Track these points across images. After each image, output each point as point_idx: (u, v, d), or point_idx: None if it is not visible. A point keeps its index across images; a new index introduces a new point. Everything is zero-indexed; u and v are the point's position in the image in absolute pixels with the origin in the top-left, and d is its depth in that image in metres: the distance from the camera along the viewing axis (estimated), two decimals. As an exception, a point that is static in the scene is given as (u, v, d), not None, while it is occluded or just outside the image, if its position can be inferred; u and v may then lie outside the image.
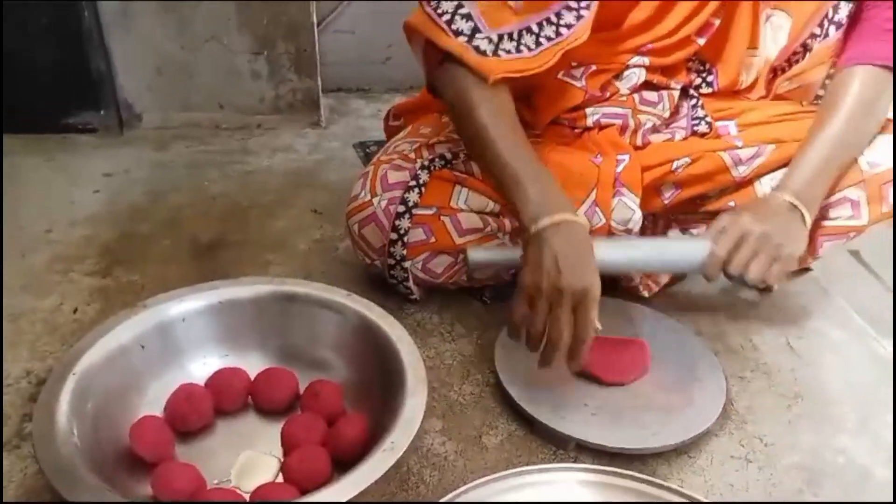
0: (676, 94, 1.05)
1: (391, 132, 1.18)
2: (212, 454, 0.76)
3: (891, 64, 0.93)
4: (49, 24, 1.46)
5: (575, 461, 0.80)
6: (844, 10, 0.95)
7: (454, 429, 0.84)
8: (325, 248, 1.20)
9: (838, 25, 0.96)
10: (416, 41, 0.92)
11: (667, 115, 1.04)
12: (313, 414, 0.77)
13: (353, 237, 0.98)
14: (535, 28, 0.87)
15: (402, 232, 0.93)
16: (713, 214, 1.08)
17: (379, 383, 0.79)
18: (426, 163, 0.96)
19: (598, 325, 0.77)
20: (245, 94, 1.65)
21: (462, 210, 0.94)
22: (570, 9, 0.87)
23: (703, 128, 1.03)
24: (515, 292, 0.79)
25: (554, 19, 0.87)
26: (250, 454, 0.75)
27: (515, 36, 0.86)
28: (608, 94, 1.01)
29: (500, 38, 0.86)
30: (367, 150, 1.57)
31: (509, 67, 0.85)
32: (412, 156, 0.98)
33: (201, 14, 1.54)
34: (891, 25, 0.93)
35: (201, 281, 0.88)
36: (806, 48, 1.00)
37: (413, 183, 0.94)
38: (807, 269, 1.15)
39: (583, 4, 0.87)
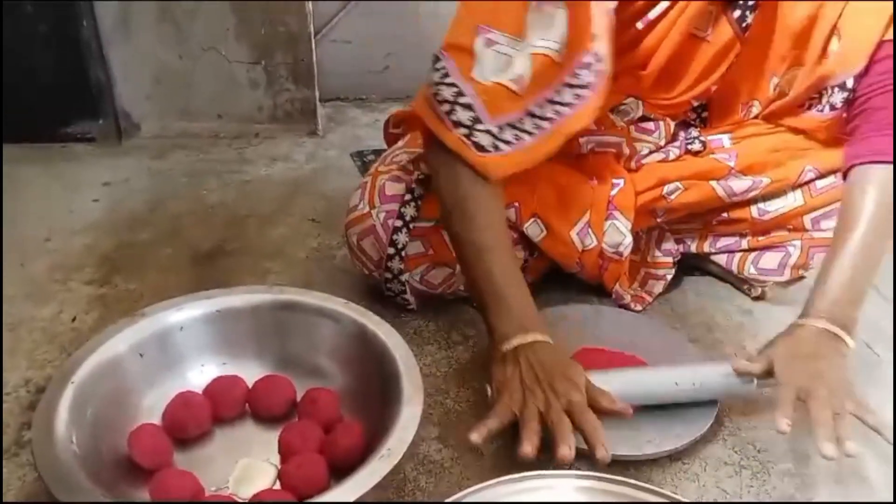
0: (673, 124, 1.05)
1: (391, 140, 1.18)
2: (210, 461, 0.76)
3: None
4: (48, 34, 1.47)
5: (570, 468, 0.81)
6: (839, 97, 0.92)
7: (450, 436, 0.85)
8: (322, 257, 1.20)
9: (832, 107, 0.93)
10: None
11: (663, 143, 1.04)
12: (310, 421, 0.78)
13: (351, 248, 0.99)
14: (536, 110, 0.82)
15: (399, 246, 0.94)
16: (706, 224, 1.09)
17: (376, 391, 0.79)
18: (423, 176, 0.96)
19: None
20: (243, 104, 1.66)
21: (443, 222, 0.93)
22: (569, 86, 0.81)
23: (696, 146, 1.04)
24: (492, 402, 0.75)
25: (555, 97, 0.81)
26: (248, 461, 0.76)
27: (517, 123, 0.81)
28: (602, 127, 1.02)
29: (501, 128, 0.81)
30: (365, 159, 1.58)
31: (510, 162, 0.82)
32: (410, 167, 0.98)
33: (199, 24, 1.56)
34: None
35: (200, 289, 0.88)
36: (802, 107, 0.98)
37: (409, 196, 0.94)
38: (801, 278, 1.16)
39: (582, 82, 0.81)
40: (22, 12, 1.44)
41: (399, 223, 0.93)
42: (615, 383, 0.80)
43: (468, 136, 0.81)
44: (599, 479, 0.70)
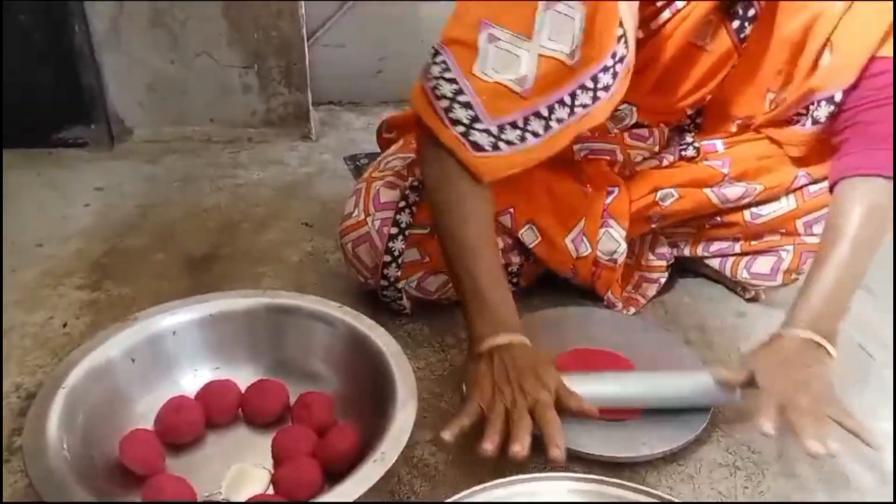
0: (667, 130, 1.05)
1: (384, 144, 1.18)
2: (203, 467, 0.76)
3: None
4: (40, 41, 1.47)
5: (565, 470, 0.81)
6: (824, 111, 0.91)
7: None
8: (316, 261, 1.20)
9: (815, 121, 0.92)
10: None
11: (657, 149, 1.05)
12: (304, 426, 0.78)
13: (346, 255, 0.98)
14: (544, 112, 0.80)
15: (396, 254, 0.94)
16: (699, 228, 1.09)
17: (370, 395, 0.79)
18: (416, 183, 0.96)
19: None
20: (236, 108, 1.66)
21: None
22: (585, 88, 0.80)
23: (690, 152, 1.04)
24: (465, 399, 0.76)
25: (568, 100, 0.81)
26: (241, 466, 0.75)
27: (521, 123, 0.80)
28: (596, 134, 1.02)
29: (502, 128, 0.80)
30: (358, 163, 1.58)
31: (508, 164, 0.81)
32: (404, 172, 0.98)
33: (192, 29, 1.56)
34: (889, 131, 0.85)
35: (193, 294, 0.88)
36: (788, 122, 0.98)
37: (403, 203, 0.94)
38: (794, 281, 1.16)
39: (600, 85, 0.80)
40: (15, 19, 1.44)
41: (395, 230, 0.93)
42: (591, 387, 0.80)
43: (465, 136, 0.79)
44: (594, 481, 0.70)
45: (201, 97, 1.63)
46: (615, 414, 0.86)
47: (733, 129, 1.04)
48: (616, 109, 1.00)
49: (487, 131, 0.80)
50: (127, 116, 1.63)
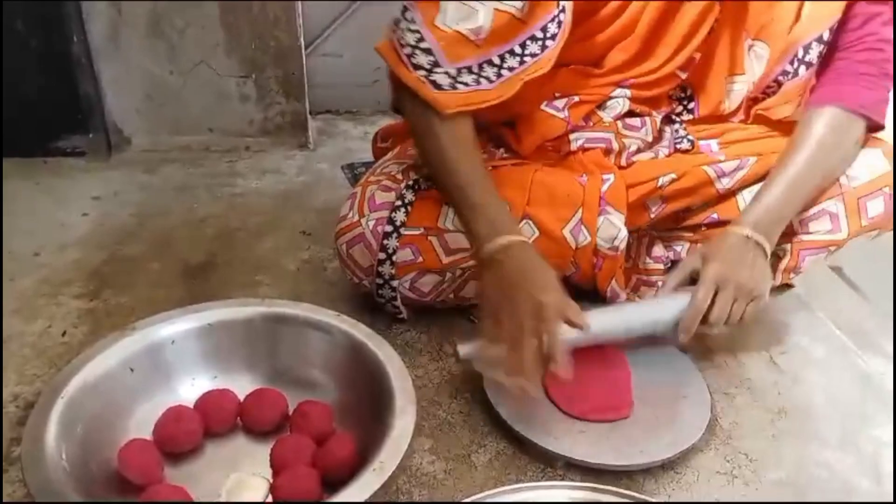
0: (659, 119, 1.06)
1: (379, 154, 1.19)
2: (201, 476, 0.76)
3: (857, 108, 0.95)
4: (38, 49, 1.47)
5: (563, 478, 0.81)
6: (815, 51, 0.97)
7: (443, 447, 0.85)
8: (314, 269, 1.20)
9: (808, 65, 0.98)
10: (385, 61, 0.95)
11: (650, 139, 1.06)
12: (302, 434, 0.78)
13: (341, 257, 0.99)
14: (496, 60, 0.89)
15: (390, 251, 0.94)
16: (695, 228, 1.10)
17: (368, 403, 0.79)
18: (412, 182, 0.97)
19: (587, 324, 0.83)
20: (234, 117, 1.66)
21: (449, 230, 0.95)
22: (534, 39, 0.89)
23: (685, 145, 1.05)
24: (480, 317, 0.84)
25: (518, 50, 0.89)
26: (239, 475, 0.75)
27: (475, 69, 0.88)
28: (591, 123, 1.03)
29: (459, 71, 0.88)
30: (355, 172, 1.59)
31: (466, 100, 0.88)
32: (400, 177, 0.99)
33: (190, 39, 1.56)
34: (861, 69, 0.95)
35: (191, 303, 0.88)
36: (778, 84, 1.02)
37: (399, 203, 0.95)
38: (789, 286, 1.17)
39: (549, 34, 0.89)
40: (13, 28, 1.44)
41: (389, 228, 0.94)
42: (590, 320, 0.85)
43: (427, 77, 0.88)
44: (592, 489, 0.71)
45: (199, 106, 1.64)
46: (605, 413, 0.87)
47: (726, 104, 1.06)
48: (609, 97, 1.01)
49: (446, 73, 0.88)
50: (125, 125, 1.63)
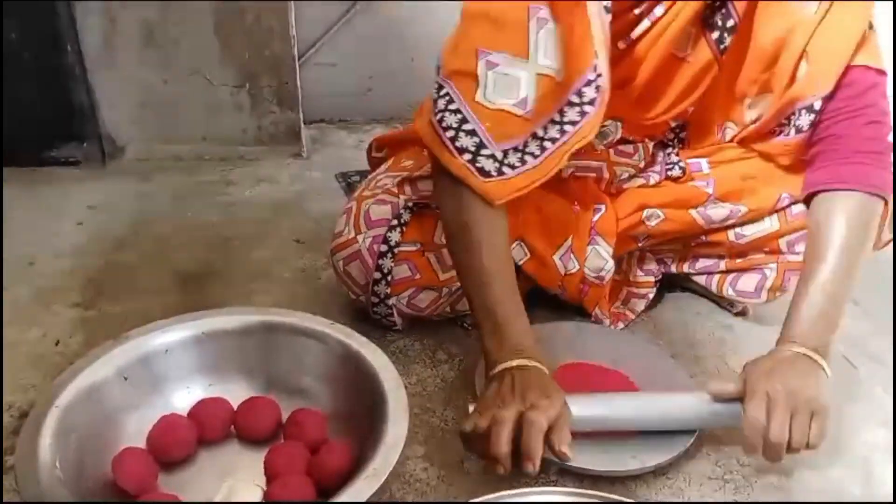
0: (651, 145, 1.07)
1: (374, 163, 1.19)
2: (195, 484, 0.76)
3: (876, 190, 0.87)
4: (32, 59, 1.48)
5: (556, 484, 0.81)
6: (805, 120, 0.91)
7: (436, 454, 0.85)
8: (308, 278, 1.21)
9: (798, 130, 0.93)
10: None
11: (642, 164, 1.06)
12: (296, 442, 0.78)
13: (338, 273, 0.99)
14: (540, 132, 0.83)
15: (385, 271, 0.94)
16: (686, 244, 1.11)
17: (362, 411, 0.79)
18: (409, 203, 0.97)
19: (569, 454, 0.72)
20: (228, 126, 1.67)
21: (446, 246, 0.93)
22: (571, 105, 0.82)
23: (676, 172, 1.05)
24: (475, 426, 0.73)
25: (557, 118, 0.82)
26: (234, 484, 0.75)
27: (521, 146, 0.82)
28: (583, 151, 1.02)
29: (506, 153, 0.82)
30: (349, 181, 1.59)
31: (514, 186, 0.82)
32: (395, 190, 0.99)
33: (184, 49, 1.57)
34: (870, 147, 0.87)
35: (185, 311, 0.88)
36: (772, 133, 0.99)
37: (395, 222, 0.95)
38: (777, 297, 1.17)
39: (586, 99, 0.82)
40: (7, 38, 1.45)
41: (384, 248, 0.94)
42: (597, 409, 0.81)
43: (472, 163, 0.81)
44: (584, 495, 0.71)
45: (193, 116, 1.64)
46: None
47: (719, 136, 1.05)
48: (602, 126, 1.01)
49: (493, 157, 0.81)
50: (119, 135, 1.63)
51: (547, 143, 0.83)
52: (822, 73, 0.88)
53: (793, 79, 0.92)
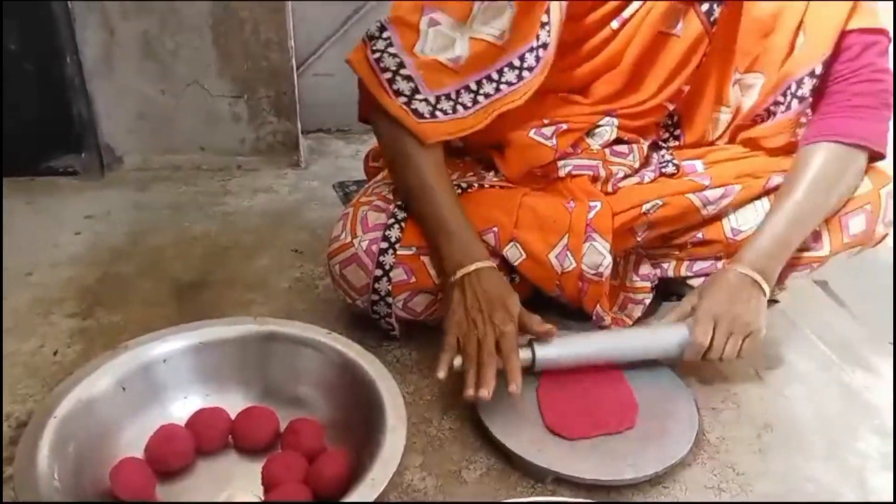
0: (646, 146, 1.08)
1: (371, 173, 1.20)
2: (193, 494, 0.76)
3: (856, 141, 0.94)
4: (31, 70, 1.49)
5: (553, 494, 0.82)
6: (808, 86, 0.96)
7: (434, 464, 0.85)
8: (305, 287, 1.21)
9: (801, 99, 0.97)
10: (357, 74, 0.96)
11: (637, 165, 1.07)
12: (294, 452, 0.78)
13: (334, 278, 1.00)
14: (473, 86, 0.91)
15: (387, 268, 0.95)
16: (682, 247, 1.12)
17: (359, 420, 0.80)
18: (402, 203, 0.98)
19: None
20: (225, 136, 1.68)
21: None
22: (512, 67, 0.91)
23: (670, 169, 1.07)
24: (445, 331, 0.87)
25: (495, 76, 0.92)
26: (231, 493, 0.76)
27: (453, 96, 0.91)
28: (579, 150, 1.04)
29: (438, 98, 0.90)
30: (347, 190, 1.60)
31: (445, 130, 0.91)
32: (391, 196, 1.00)
33: (182, 59, 1.58)
34: (857, 101, 0.94)
35: (183, 321, 0.89)
36: (769, 113, 1.02)
37: (392, 221, 0.96)
38: (774, 301, 1.18)
39: (526, 65, 0.91)
40: (6, 49, 1.45)
41: (384, 245, 0.95)
42: (563, 345, 0.91)
43: (408, 105, 0.89)
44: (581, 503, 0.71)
45: (191, 126, 1.65)
46: (608, 427, 0.88)
47: (711, 127, 1.07)
48: (597, 125, 1.03)
49: (426, 101, 0.90)
50: (117, 145, 1.64)
51: (480, 98, 0.92)
52: (818, 41, 0.94)
53: (790, 52, 0.96)
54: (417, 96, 0.89)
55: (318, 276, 1.24)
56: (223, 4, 1.54)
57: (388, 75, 0.90)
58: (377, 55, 0.91)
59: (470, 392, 0.81)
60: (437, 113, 0.90)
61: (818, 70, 0.95)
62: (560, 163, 1.04)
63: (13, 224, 1.38)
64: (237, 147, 1.69)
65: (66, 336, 1.05)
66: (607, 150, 1.06)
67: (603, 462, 0.83)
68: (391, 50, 0.90)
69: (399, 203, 0.98)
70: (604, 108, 1.02)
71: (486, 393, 0.80)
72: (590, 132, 1.04)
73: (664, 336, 0.95)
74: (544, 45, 0.91)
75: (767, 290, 0.94)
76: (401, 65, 0.89)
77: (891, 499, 0.85)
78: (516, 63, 0.91)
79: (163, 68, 1.58)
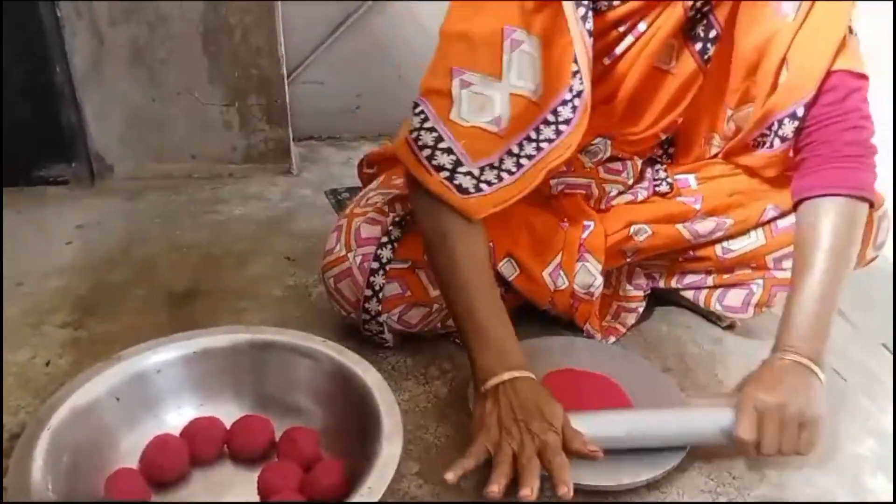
0: (640, 162, 1.08)
1: (366, 179, 1.20)
2: (188, 505, 0.76)
3: (858, 193, 0.87)
4: (21, 78, 1.48)
5: (550, 500, 0.81)
6: (789, 127, 0.91)
7: (430, 471, 0.85)
8: (299, 295, 1.21)
9: (783, 139, 0.93)
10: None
11: (631, 181, 1.07)
12: (290, 461, 0.78)
13: (328, 290, 0.99)
14: (515, 149, 0.85)
15: (376, 289, 0.95)
16: (672, 261, 1.12)
17: (355, 429, 0.79)
18: (398, 219, 0.97)
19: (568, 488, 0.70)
20: (217, 145, 1.67)
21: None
22: (547, 123, 0.85)
23: (664, 188, 1.07)
24: (472, 440, 0.75)
25: (533, 135, 0.85)
26: (227, 504, 0.75)
27: (496, 163, 0.84)
28: (572, 168, 1.04)
29: (482, 170, 0.84)
30: (339, 197, 1.60)
31: (491, 202, 0.84)
32: (385, 208, 1.00)
33: (172, 68, 1.57)
34: (849, 151, 0.88)
35: (176, 331, 0.88)
36: (756, 144, 0.98)
37: (385, 239, 0.95)
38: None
39: (561, 119, 0.85)
40: (-6, 58, 1.45)
41: (375, 265, 0.94)
42: (594, 425, 0.80)
43: (450, 180, 0.83)
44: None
45: (182, 134, 1.64)
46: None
47: (704, 148, 1.06)
48: (590, 144, 1.02)
49: (470, 174, 0.83)
50: (108, 154, 1.63)
51: (523, 160, 0.85)
52: (803, 79, 0.89)
53: (774, 86, 0.92)
54: (460, 169, 0.83)
55: (311, 283, 1.23)
56: (213, 11, 1.53)
57: (427, 152, 0.83)
58: (415, 134, 0.84)
59: (494, 488, 0.69)
60: (482, 185, 0.83)
61: (799, 112, 0.90)
62: (553, 181, 1.03)
63: (4, 234, 1.36)
64: (228, 155, 1.69)
65: (58, 346, 1.04)
66: (601, 168, 1.06)
67: (600, 468, 0.82)
68: (427, 125, 0.84)
69: (395, 220, 0.97)
70: (600, 131, 1.02)
71: (528, 492, 0.68)
72: (583, 149, 1.03)
73: (705, 422, 0.84)
74: (578, 94, 0.85)
75: (822, 376, 0.82)
76: (439, 138, 0.83)
77: (890, 499, 0.85)
78: (551, 118, 0.85)
79: (153, 76, 1.57)
